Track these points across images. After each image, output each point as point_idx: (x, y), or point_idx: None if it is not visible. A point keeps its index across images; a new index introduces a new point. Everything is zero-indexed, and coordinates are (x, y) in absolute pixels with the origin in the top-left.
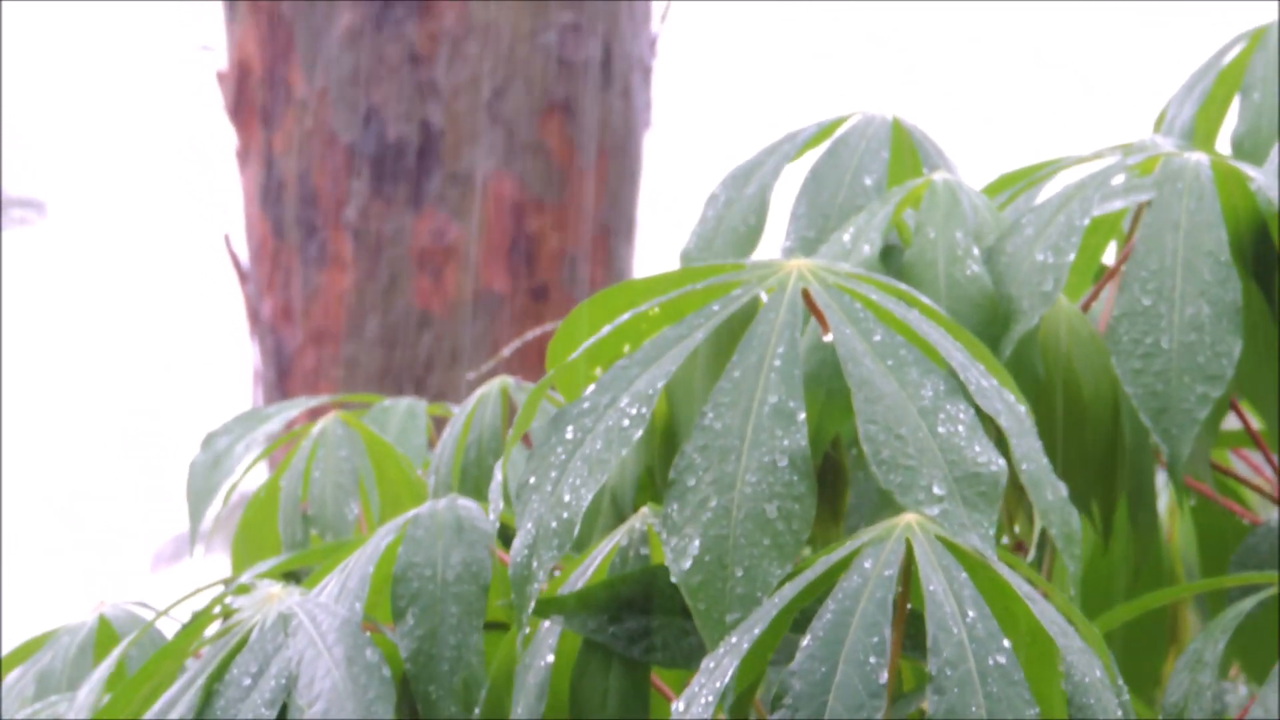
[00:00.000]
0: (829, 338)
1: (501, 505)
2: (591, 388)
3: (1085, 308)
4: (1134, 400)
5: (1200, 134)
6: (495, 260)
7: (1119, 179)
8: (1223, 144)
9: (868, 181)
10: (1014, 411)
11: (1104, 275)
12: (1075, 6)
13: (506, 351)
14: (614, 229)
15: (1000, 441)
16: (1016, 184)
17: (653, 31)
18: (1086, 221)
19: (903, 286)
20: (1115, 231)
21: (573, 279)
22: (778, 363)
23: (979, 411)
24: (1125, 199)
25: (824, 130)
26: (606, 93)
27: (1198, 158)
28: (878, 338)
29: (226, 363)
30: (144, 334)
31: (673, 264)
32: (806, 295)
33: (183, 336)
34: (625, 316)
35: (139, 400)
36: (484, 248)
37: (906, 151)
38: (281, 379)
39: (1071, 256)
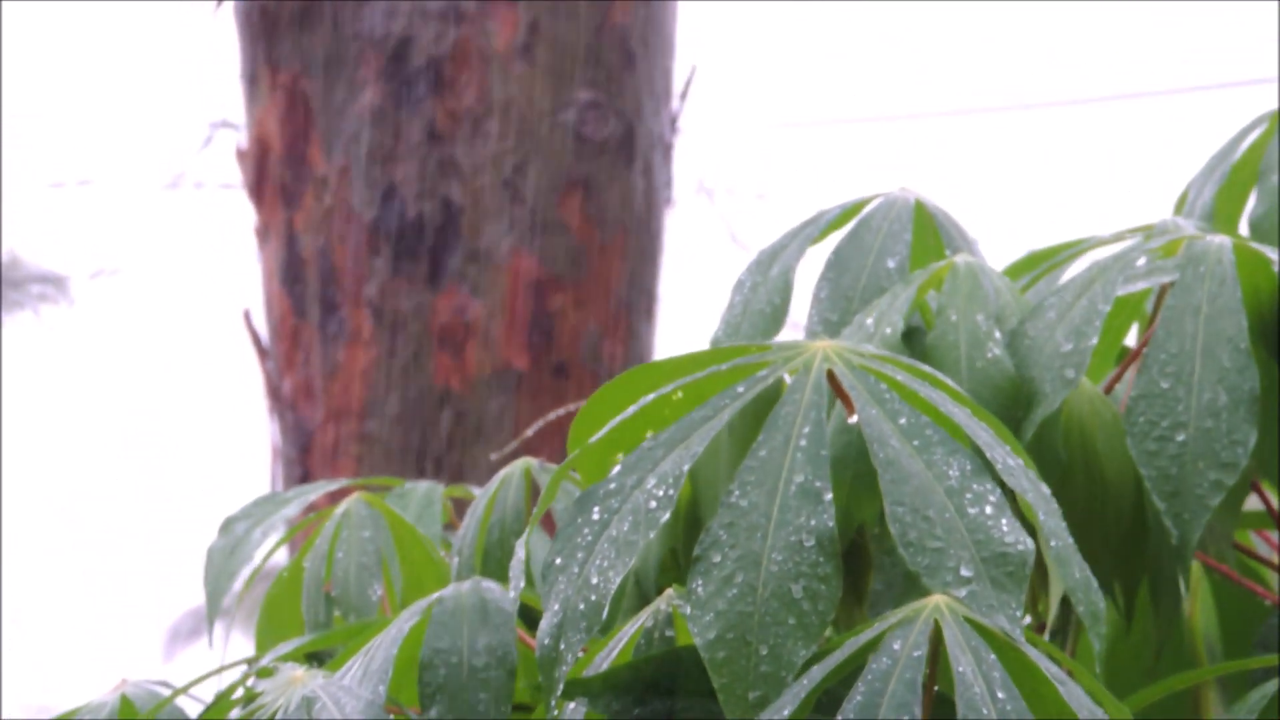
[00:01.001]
0: (854, 419)
1: (523, 584)
2: (617, 469)
3: (1108, 390)
4: (1148, 482)
5: (1221, 216)
6: (516, 337)
7: (1141, 261)
8: (1243, 225)
9: (891, 264)
10: (1039, 490)
11: (1127, 357)
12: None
13: (530, 431)
14: (634, 306)
15: (1025, 520)
16: (1039, 265)
17: (673, 109)
18: (1109, 305)
19: (926, 368)
20: (1138, 312)
21: (593, 356)
22: (804, 442)
23: (1005, 490)
24: (1148, 280)
25: (847, 212)
26: (627, 170)
27: (1220, 241)
28: (903, 419)
29: (246, 438)
30: (164, 409)
31: (692, 343)
32: (831, 376)
33: (203, 412)
34: (649, 398)
35: (157, 475)
36: (504, 325)
37: (929, 233)
38: (302, 455)
39: (1094, 340)
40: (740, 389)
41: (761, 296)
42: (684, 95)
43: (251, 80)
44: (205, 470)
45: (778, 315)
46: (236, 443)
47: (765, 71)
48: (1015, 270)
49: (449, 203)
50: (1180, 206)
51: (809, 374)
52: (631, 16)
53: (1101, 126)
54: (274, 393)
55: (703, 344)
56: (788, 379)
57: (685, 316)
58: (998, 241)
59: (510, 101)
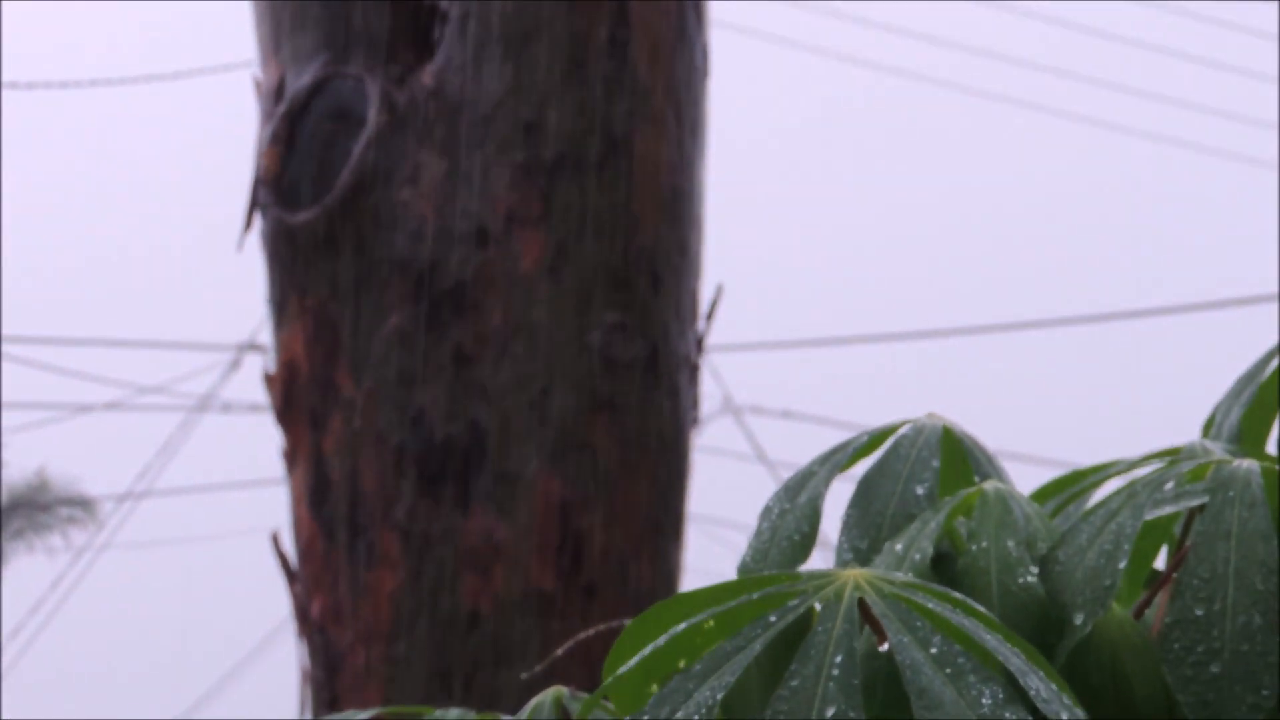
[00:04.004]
0: (885, 646)
1: None
2: (651, 701)
3: (1138, 614)
4: (1185, 708)
5: (1249, 437)
6: (544, 559)
7: (1170, 485)
8: (1271, 445)
9: (919, 490)
10: (1075, 716)
11: (1157, 581)
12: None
13: (559, 652)
14: (662, 527)
15: None
16: (1067, 489)
17: (699, 330)
18: (1137, 530)
19: (958, 595)
20: (1167, 535)
21: (622, 577)
22: (836, 672)
23: (1038, 716)
24: (1176, 504)
25: (875, 439)
26: (653, 392)
27: (1248, 465)
28: (935, 647)
29: (275, 659)
30: (192, 631)
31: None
32: (863, 604)
33: (231, 634)
34: (680, 628)
35: (185, 697)
36: (532, 546)
37: (957, 459)
38: (331, 678)
39: (1123, 565)
40: (772, 618)
41: (790, 524)
42: (710, 316)
43: (279, 305)
44: (237, 694)
45: (806, 543)
46: (265, 664)
47: (791, 290)
48: (1043, 494)
49: (476, 425)
50: (1208, 429)
51: (840, 603)
52: (657, 239)
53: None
54: (303, 615)
55: (730, 566)
56: (819, 608)
57: (713, 533)
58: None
59: (537, 323)
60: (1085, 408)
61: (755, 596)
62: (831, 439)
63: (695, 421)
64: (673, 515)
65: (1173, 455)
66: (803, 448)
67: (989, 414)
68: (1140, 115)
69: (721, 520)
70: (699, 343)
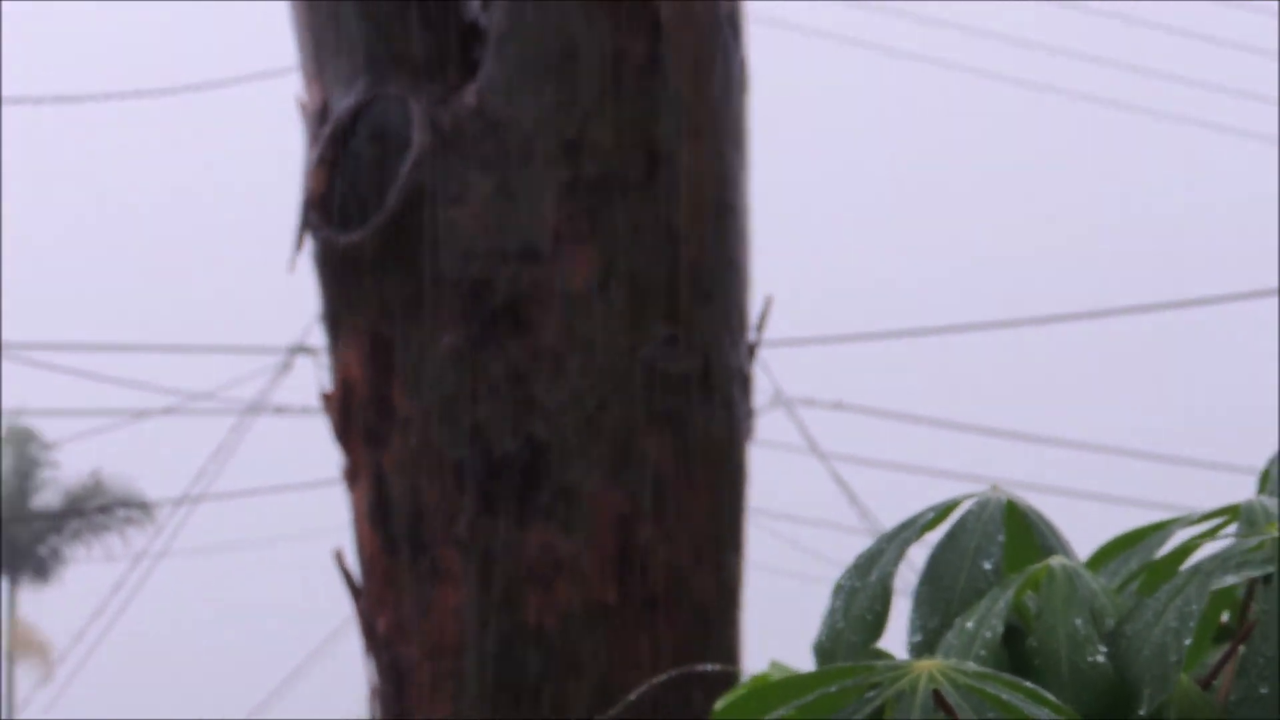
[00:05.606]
0: None
1: None
2: None
3: (1205, 685)
4: None
5: None
6: (605, 572)
7: (1232, 557)
8: None
9: (987, 566)
10: None
11: (1224, 654)
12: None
13: (634, 696)
14: (721, 537)
15: None
16: (1128, 549)
17: (749, 340)
18: (1203, 607)
19: (1029, 685)
20: (1230, 598)
21: (683, 589)
22: None
23: None
24: (1239, 575)
25: (940, 514)
26: (707, 404)
27: None
28: None
29: (338, 670)
30: (252, 632)
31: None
32: (938, 695)
33: (288, 638)
34: None
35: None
36: (593, 560)
37: (1022, 532)
38: (398, 693)
39: (1188, 641)
40: (851, 709)
41: (862, 602)
42: (760, 327)
43: (332, 325)
44: (298, 695)
45: (879, 622)
46: (326, 665)
47: (839, 285)
48: (1105, 554)
49: (534, 440)
50: (1264, 484)
51: (915, 695)
52: (704, 253)
53: (1185, 333)
54: (369, 631)
55: (784, 560)
56: (895, 698)
57: (767, 526)
58: (1070, 441)
59: (590, 339)
60: (1145, 397)
61: (833, 689)
62: (883, 430)
63: (750, 432)
64: (732, 525)
65: (1231, 514)
66: (855, 439)
67: (1039, 405)
68: (1206, 108)
69: (775, 513)
70: (750, 353)
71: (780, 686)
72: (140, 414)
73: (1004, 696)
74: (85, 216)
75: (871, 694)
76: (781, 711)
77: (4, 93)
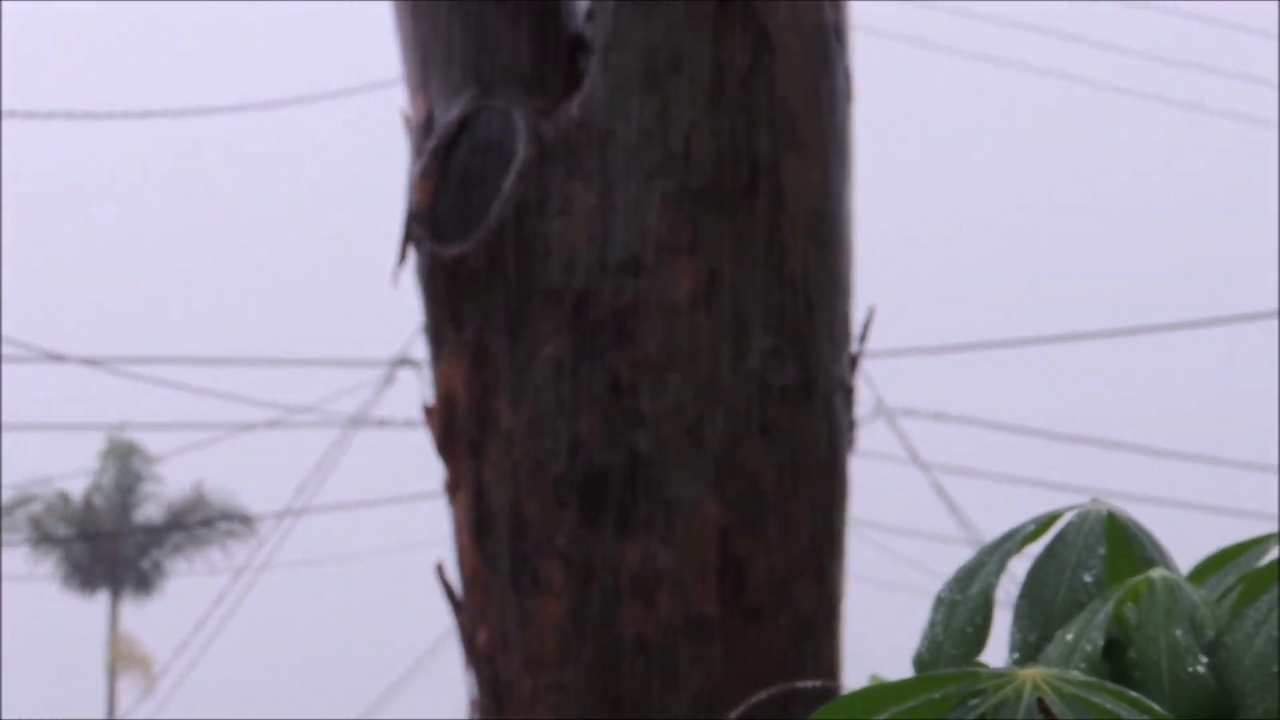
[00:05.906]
0: None
1: None
2: None
3: None
4: None
5: None
6: (705, 584)
7: None
8: None
9: (1088, 578)
10: None
11: None
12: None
13: (735, 715)
14: (823, 549)
15: None
16: (1228, 563)
17: (852, 351)
18: None
19: (1132, 694)
20: None
21: (784, 600)
22: None
23: None
24: None
25: (1041, 526)
26: (809, 415)
27: None
28: None
29: (439, 672)
30: (355, 644)
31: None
32: (1042, 704)
33: (393, 643)
34: None
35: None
36: (694, 572)
37: (1122, 544)
38: (499, 706)
39: None
40: (953, 715)
41: (962, 615)
42: (863, 338)
43: (435, 337)
44: (402, 707)
45: (980, 635)
46: (429, 677)
47: (939, 296)
48: (1207, 567)
49: (634, 452)
50: None
51: (1020, 701)
52: (807, 264)
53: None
54: (469, 644)
55: (884, 570)
56: (998, 707)
57: (867, 536)
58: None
59: (692, 350)
60: (1255, 409)
61: (937, 696)
62: (984, 440)
63: (852, 443)
64: (833, 537)
65: None
66: (956, 449)
67: (1140, 415)
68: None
69: (876, 524)
70: (853, 364)
71: (884, 691)
72: (243, 427)
73: (1108, 705)
74: (188, 230)
75: (975, 701)
76: (884, 715)
77: (135, 107)
